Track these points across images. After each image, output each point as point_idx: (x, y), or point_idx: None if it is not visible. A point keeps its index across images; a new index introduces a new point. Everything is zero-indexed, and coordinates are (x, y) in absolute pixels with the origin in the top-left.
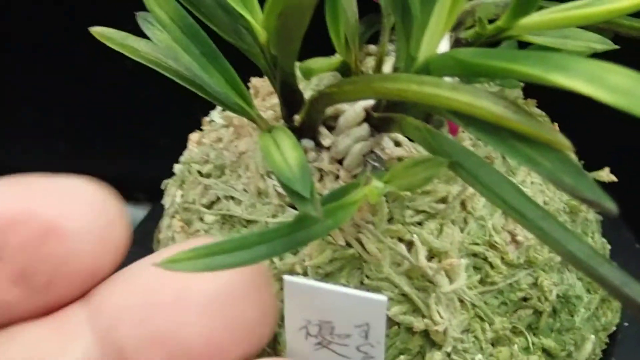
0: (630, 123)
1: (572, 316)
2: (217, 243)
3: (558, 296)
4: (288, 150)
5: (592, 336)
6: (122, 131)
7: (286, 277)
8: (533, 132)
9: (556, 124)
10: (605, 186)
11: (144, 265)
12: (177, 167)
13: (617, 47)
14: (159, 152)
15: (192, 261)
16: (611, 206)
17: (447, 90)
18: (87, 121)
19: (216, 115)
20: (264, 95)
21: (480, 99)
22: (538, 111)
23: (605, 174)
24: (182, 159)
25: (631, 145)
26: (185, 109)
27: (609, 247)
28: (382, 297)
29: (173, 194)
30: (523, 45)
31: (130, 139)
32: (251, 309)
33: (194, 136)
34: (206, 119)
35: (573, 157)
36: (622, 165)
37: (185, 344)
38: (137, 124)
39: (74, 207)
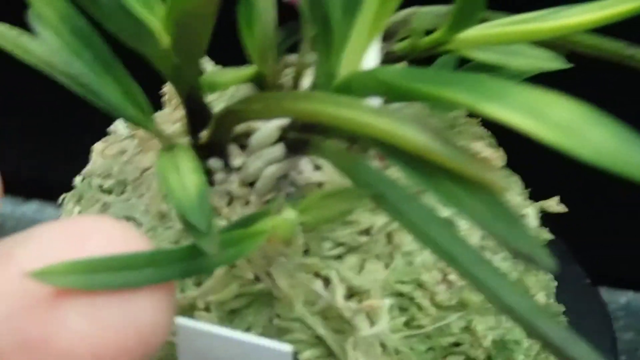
0: None
1: None
2: (101, 259)
3: (494, 341)
4: (187, 175)
5: None
6: (38, 129)
7: (179, 320)
8: (462, 168)
9: (500, 151)
10: (553, 217)
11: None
12: (77, 180)
13: (570, 65)
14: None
15: (69, 276)
16: (548, 263)
17: (367, 115)
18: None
19: (120, 125)
20: (176, 104)
21: (403, 127)
22: (481, 131)
23: (555, 203)
24: (83, 171)
25: (581, 171)
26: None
27: (554, 283)
28: (286, 348)
29: (70, 210)
30: (464, 61)
31: (47, 137)
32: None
33: (98, 146)
34: (112, 127)
35: (507, 200)
36: (572, 194)
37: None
38: (55, 122)
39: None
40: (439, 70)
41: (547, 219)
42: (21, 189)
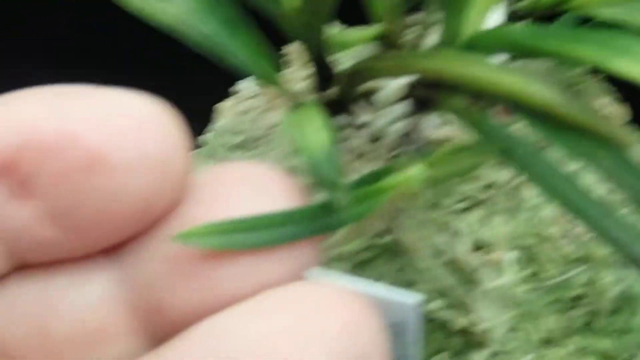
0: None
1: (634, 317)
2: (238, 220)
3: (619, 295)
4: (316, 131)
5: None
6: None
7: (310, 272)
8: (589, 124)
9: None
10: None
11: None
12: (206, 138)
13: None
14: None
15: (208, 237)
16: None
17: (493, 72)
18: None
19: (246, 84)
20: (302, 64)
21: (530, 84)
22: (605, 87)
23: None
24: (212, 128)
25: None
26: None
27: None
28: (415, 299)
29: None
30: (585, 20)
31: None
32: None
33: (226, 104)
34: (236, 87)
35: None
36: None
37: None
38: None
39: (125, 131)
40: (563, 27)
41: None
42: None
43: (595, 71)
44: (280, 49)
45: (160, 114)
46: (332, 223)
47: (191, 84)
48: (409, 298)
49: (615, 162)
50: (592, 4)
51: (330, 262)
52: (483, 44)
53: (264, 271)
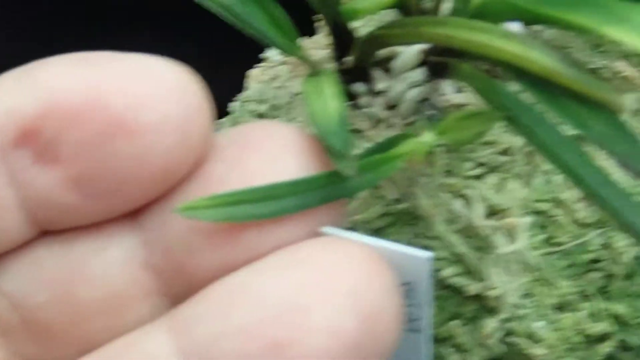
0: None
1: None
2: (242, 191)
3: (634, 258)
4: (330, 99)
5: None
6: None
7: (325, 229)
8: (585, 89)
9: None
10: None
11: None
12: (233, 105)
13: None
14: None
15: (213, 209)
16: None
17: (498, 39)
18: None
19: (273, 52)
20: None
21: (531, 50)
22: (628, 50)
23: None
24: (239, 96)
25: None
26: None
27: None
28: (426, 254)
29: None
30: None
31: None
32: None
33: (254, 72)
34: (265, 54)
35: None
36: None
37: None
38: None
39: (147, 95)
40: None
41: None
42: None
43: None
44: (309, 17)
45: (181, 77)
46: (342, 191)
47: (225, 51)
48: (421, 253)
49: (609, 129)
50: None
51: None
52: (490, 12)
53: (284, 231)
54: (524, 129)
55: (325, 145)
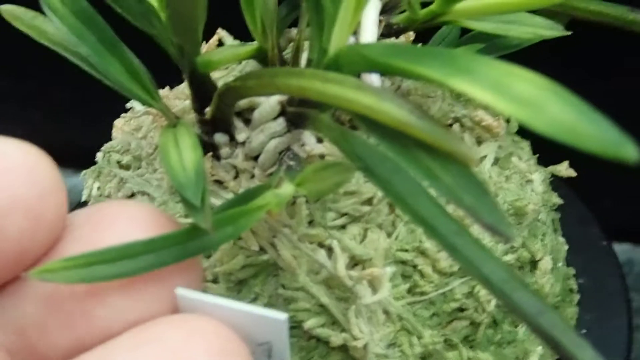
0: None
1: (515, 327)
2: (96, 252)
3: (498, 306)
4: (186, 151)
5: (539, 347)
6: (98, 101)
7: (179, 291)
8: (435, 141)
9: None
10: (567, 181)
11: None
12: (98, 156)
13: (568, 33)
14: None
15: (68, 271)
16: (510, 233)
17: (351, 91)
18: (62, 91)
19: (136, 102)
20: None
21: (383, 102)
22: None
23: (564, 169)
24: (103, 147)
25: None
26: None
27: (565, 247)
28: (282, 316)
29: (90, 186)
30: (467, 31)
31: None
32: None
33: (118, 122)
34: (130, 104)
35: (476, 172)
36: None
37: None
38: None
39: None
40: (422, 46)
41: (568, 180)
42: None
43: None
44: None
45: (31, 157)
46: (200, 246)
47: (97, 99)
48: (277, 314)
49: (457, 181)
50: (465, 17)
51: (207, 282)
52: (344, 62)
53: (137, 303)
54: (378, 179)
55: (182, 198)
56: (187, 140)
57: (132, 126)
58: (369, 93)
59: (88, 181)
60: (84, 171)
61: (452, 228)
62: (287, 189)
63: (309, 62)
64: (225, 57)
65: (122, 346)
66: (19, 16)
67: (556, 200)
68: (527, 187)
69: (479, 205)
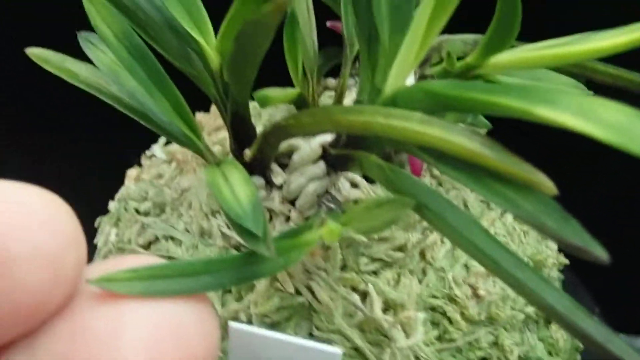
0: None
1: None
2: (160, 266)
3: (519, 357)
4: (238, 185)
5: None
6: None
7: (232, 324)
8: (512, 171)
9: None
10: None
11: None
12: (112, 205)
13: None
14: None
15: (130, 282)
16: (600, 253)
17: (418, 124)
18: (40, 137)
19: (158, 149)
20: (209, 130)
21: (453, 134)
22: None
23: None
24: (117, 195)
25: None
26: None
27: None
28: (336, 350)
29: (107, 233)
30: None
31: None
32: (196, 342)
33: (131, 172)
34: (147, 153)
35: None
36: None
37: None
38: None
39: (20, 225)
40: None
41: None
42: None
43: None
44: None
45: (52, 205)
46: (255, 272)
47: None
48: (331, 349)
49: (537, 208)
50: (497, 71)
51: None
52: (404, 100)
53: None
54: (433, 215)
55: (241, 229)
56: (237, 175)
57: (151, 174)
58: (437, 125)
59: (104, 228)
60: (99, 218)
61: (512, 261)
62: (334, 225)
63: (358, 103)
64: (278, 96)
65: None
66: (48, 59)
67: (563, 260)
68: (543, 243)
69: (563, 228)
